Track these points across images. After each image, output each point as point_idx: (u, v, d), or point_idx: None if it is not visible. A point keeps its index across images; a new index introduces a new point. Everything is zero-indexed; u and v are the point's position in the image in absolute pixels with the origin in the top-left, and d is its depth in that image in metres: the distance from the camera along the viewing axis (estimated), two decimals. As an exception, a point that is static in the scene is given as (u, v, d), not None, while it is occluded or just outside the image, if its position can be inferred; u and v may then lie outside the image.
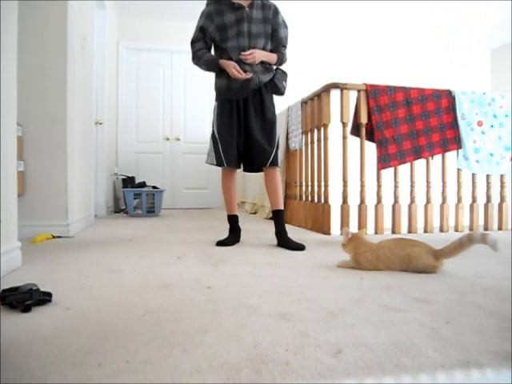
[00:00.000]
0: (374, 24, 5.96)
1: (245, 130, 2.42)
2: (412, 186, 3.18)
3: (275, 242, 2.48)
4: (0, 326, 1.03)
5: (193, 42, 2.47)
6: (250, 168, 2.55)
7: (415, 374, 0.80)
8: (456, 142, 3.23)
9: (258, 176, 4.64)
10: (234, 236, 2.54)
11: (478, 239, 1.60)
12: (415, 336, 0.97)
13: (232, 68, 2.30)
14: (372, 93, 3.03)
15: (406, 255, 1.70)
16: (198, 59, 2.43)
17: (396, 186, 3.16)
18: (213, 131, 2.47)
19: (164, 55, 5.90)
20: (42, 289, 1.25)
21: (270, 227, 3.50)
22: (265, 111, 2.42)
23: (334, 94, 3.07)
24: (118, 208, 5.34)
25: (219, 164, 2.45)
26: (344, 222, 2.96)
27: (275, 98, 2.50)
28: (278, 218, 2.50)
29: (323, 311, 1.17)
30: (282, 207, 2.52)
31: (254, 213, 4.85)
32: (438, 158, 3.26)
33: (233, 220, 2.59)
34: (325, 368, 0.81)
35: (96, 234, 3.03)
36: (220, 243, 2.43)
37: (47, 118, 2.75)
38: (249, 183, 5.07)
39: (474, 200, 3.39)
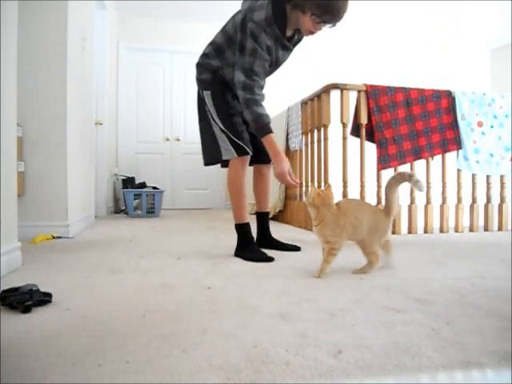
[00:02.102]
0: (374, 24, 5.96)
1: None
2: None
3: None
4: (0, 327, 1.03)
5: (251, 70, 1.90)
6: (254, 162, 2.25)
7: (415, 374, 0.80)
8: (456, 143, 3.23)
9: (258, 176, 4.64)
10: (259, 249, 2.12)
11: (404, 178, 1.68)
12: (415, 336, 0.97)
13: (287, 174, 1.89)
14: (372, 93, 3.03)
15: (372, 225, 1.65)
16: (252, 103, 1.89)
17: (396, 187, 3.16)
18: (217, 127, 2.09)
19: (164, 55, 5.91)
20: (42, 289, 1.25)
21: (271, 227, 3.50)
22: None
23: (334, 95, 3.08)
24: (118, 208, 5.34)
25: (242, 153, 2.06)
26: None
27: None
28: (267, 220, 2.37)
29: (323, 311, 1.17)
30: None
31: (254, 213, 4.84)
32: (438, 158, 3.26)
33: (249, 230, 2.15)
34: (325, 368, 0.81)
35: (96, 234, 3.03)
36: (258, 260, 1.98)
37: (47, 118, 2.75)
38: (249, 184, 5.07)
39: (474, 200, 3.39)
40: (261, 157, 2.22)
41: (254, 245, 2.13)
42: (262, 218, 2.36)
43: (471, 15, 5.65)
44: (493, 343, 0.93)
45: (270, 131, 1.91)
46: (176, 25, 5.81)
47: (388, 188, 1.72)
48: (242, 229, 2.14)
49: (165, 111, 5.91)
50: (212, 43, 2.13)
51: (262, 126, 1.91)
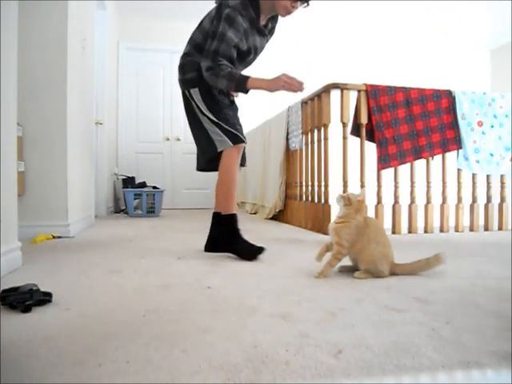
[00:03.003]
0: (374, 24, 5.96)
1: None
2: (412, 186, 3.18)
3: (275, 241, 2.47)
4: (0, 326, 1.03)
5: (217, 54, 1.94)
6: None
7: (415, 374, 0.80)
8: (456, 143, 3.23)
9: (259, 176, 4.65)
10: (247, 241, 2.06)
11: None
12: (415, 336, 0.97)
13: (285, 81, 1.91)
14: (372, 93, 3.03)
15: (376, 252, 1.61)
16: (219, 71, 1.93)
17: (396, 187, 3.16)
18: (206, 118, 2.07)
19: (164, 55, 5.90)
20: (42, 289, 1.25)
21: (271, 227, 3.51)
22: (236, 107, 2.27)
23: (334, 94, 3.07)
24: (118, 208, 5.34)
25: (237, 141, 2.05)
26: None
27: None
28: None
29: (323, 311, 1.17)
30: None
31: (255, 213, 4.85)
32: (438, 158, 3.26)
33: (237, 220, 2.10)
34: (325, 368, 0.81)
35: (96, 234, 3.03)
36: (255, 255, 1.96)
37: (47, 118, 2.75)
38: (249, 183, 5.07)
39: (474, 200, 3.39)
40: (245, 159, 2.21)
41: (242, 237, 2.05)
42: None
43: (471, 15, 5.64)
44: (493, 343, 0.93)
45: (247, 77, 1.94)
46: (176, 25, 5.80)
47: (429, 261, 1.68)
48: (230, 220, 2.07)
49: (165, 111, 5.91)
50: (190, 41, 2.13)
51: (238, 80, 1.94)
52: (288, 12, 2.03)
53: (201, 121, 2.09)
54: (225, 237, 2.08)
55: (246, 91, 1.99)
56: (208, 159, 2.18)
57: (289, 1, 1.98)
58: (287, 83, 1.92)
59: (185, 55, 2.14)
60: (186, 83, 2.13)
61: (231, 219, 2.07)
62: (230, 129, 2.04)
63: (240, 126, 2.15)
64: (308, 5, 2.00)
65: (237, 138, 2.05)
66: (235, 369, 0.81)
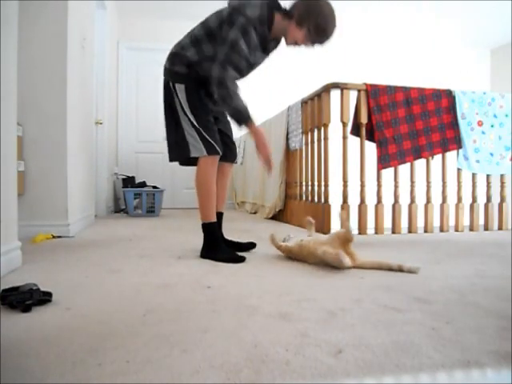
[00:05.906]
0: (374, 24, 5.96)
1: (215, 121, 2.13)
2: (412, 185, 3.18)
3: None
4: (0, 326, 1.03)
5: (227, 63, 1.87)
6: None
7: (415, 374, 0.80)
8: (456, 142, 3.23)
9: (259, 176, 4.65)
10: (228, 248, 2.11)
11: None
12: (415, 336, 0.97)
13: (266, 150, 1.97)
14: (372, 93, 3.03)
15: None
16: (228, 95, 1.88)
17: (396, 186, 3.16)
18: (187, 119, 2.02)
19: (164, 55, 5.80)
20: (42, 289, 1.25)
21: (271, 227, 3.51)
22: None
23: (334, 94, 3.07)
24: (118, 208, 5.34)
25: (212, 152, 2.03)
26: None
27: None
28: (221, 221, 2.28)
29: (323, 311, 1.17)
30: None
31: (255, 212, 4.85)
32: (438, 157, 3.26)
33: (216, 229, 2.13)
34: (325, 368, 0.81)
35: (96, 233, 3.03)
36: (232, 260, 1.94)
37: (47, 118, 2.75)
38: (249, 183, 5.07)
39: (474, 200, 3.39)
40: (227, 155, 2.18)
41: (222, 244, 2.08)
42: (218, 218, 2.21)
43: (471, 15, 5.64)
44: (493, 343, 0.93)
45: (249, 119, 1.91)
46: (176, 24, 5.80)
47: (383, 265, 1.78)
48: (210, 228, 2.09)
49: (165, 111, 5.91)
50: (189, 34, 2.06)
51: (241, 118, 1.91)
52: (296, 45, 1.98)
53: (180, 119, 2.04)
54: (205, 244, 2.09)
55: (240, 127, 1.96)
56: (176, 159, 2.18)
57: (304, 39, 1.92)
58: (266, 160, 1.97)
59: (180, 47, 2.07)
60: (172, 75, 2.07)
61: (210, 227, 2.09)
62: (208, 138, 2.01)
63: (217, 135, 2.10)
64: (313, 47, 1.96)
65: (212, 149, 2.02)
66: (235, 369, 0.81)
